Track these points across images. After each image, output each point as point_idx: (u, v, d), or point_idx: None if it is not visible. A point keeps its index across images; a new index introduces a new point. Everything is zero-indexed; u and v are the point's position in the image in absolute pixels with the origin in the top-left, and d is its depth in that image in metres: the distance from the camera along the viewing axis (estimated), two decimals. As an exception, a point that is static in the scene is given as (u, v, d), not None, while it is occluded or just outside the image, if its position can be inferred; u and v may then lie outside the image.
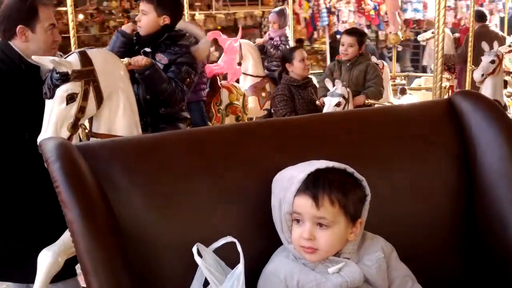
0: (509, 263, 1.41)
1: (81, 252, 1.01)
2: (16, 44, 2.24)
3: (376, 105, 3.97)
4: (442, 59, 3.38)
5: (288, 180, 1.19)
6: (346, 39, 4.23)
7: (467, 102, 1.55)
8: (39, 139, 1.98)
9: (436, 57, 3.50)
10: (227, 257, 1.16)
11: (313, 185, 1.15)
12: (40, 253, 1.89)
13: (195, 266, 1.14)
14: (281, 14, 6.11)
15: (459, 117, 1.54)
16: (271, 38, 6.07)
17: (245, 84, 5.79)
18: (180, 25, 2.92)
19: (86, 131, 2.38)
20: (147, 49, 2.79)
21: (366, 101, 3.96)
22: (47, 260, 1.86)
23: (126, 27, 2.89)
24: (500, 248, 1.43)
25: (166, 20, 2.78)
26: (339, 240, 1.18)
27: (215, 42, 5.87)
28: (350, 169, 1.20)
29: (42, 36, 2.27)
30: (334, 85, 3.80)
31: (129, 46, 2.75)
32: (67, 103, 2.11)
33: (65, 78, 2.09)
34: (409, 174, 1.46)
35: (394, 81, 6.67)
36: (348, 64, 4.24)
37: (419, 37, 8.00)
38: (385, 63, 5.69)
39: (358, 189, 1.20)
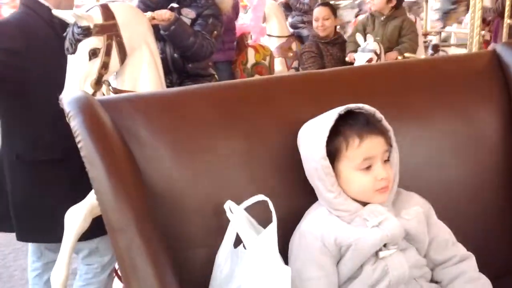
0: None
1: (106, 210, 0.96)
2: (49, 0, 2.18)
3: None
4: (480, 11, 3.20)
5: (319, 126, 1.14)
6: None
7: None
8: (61, 96, 1.94)
9: (472, 11, 3.32)
10: (259, 216, 1.11)
11: (365, 124, 1.12)
12: (67, 211, 1.88)
13: (224, 225, 1.10)
14: None
15: (505, 69, 1.45)
16: None
17: (271, 44, 5.64)
18: None
19: (110, 87, 2.33)
20: (174, 5, 2.70)
21: (399, 57, 3.81)
22: (74, 218, 1.85)
23: None
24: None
25: None
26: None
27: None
28: (379, 115, 1.15)
29: None
30: (365, 40, 3.65)
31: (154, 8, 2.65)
32: (90, 59, 2.05)
33: (86, 32, 2.03)
34: (451, 131, 1.38)
35: (426, 37, 6.42)
36: (382, 18, 4.06)
37: None
38: (417, 18, 5.46)
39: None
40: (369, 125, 1.12)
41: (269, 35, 5.68)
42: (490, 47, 1.60)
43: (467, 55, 1.93)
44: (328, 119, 1.13)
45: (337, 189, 1.12)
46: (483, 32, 5.71)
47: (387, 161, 1.14)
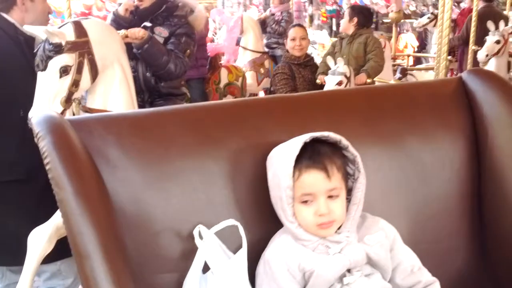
0: None
1: (72, 233, 0.94)
2: (13, 16, 2.15)
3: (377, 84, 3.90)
4: (447, 38, 3.30)
5: (283, 154, 1.13)
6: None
7: (478, 80, 1.49)
8: (30, 114, 1.90)
9: (439, 36, 3.43)
10: (230, 240, 1.10)
11: (317, 155, 1.11)
12: (30, 233, 1.83)
13: (194, 249, 1.08)
14: None
15: (470, 96, 1.48)
16: (273, 14, 5.96)
17: (244, 58, 5.68)
18: None
19: (80, 106, 2.30)
20: (147, 24, 2.69)
21: (368, 80, 3.88)
22: (38, 239, 1.80)
23: (121, 8, 2.76)
24: (508, 231, 1.38)
25: None
26: (345, 207, 1.15)
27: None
28: (345, 142, 1.15)
29: (41, 5, 2.20)
30: (336, 63, 3.71)
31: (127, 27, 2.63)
32: (60, 76, 2.03)
33: (58, 49, 2.00)
34: (418, 156, 1.40)
35: (395, 61, 6.58)
36: (347, 38, 4.19)
37: (415, 24, 7.90)
38: (387, 42, 5.60)
39: (350, 158, 1.16)
40: (313, 159, 1.10)
41: (244, 48, 5.72)
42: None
43: (435, 82, 1.98)
44: (293, 148, 1.12)
45: (297, 220, 1.13)
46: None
47: (334, 196, 1.12)
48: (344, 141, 1.15)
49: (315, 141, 1.14)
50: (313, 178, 1.10)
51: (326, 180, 1.10)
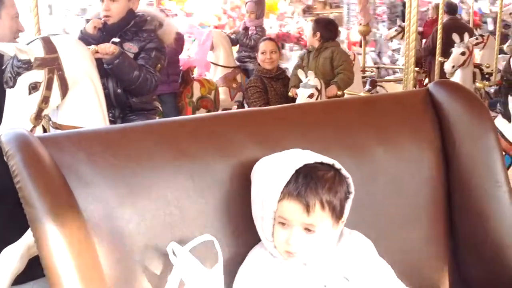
0: (487, 252, 1.40)
1: (44, 253, 0.92)
2: None
3: (347, 95, 3.95)
4: (414, 50, 3.38)
5: (272, 176, 1.11)
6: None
7: (445, 91, 1.53)
8: (-1, 131, 1.87)
9: (407, 49, 3.50)
10: (205, 256, 1.10)
11: (303, 189, 1.07)
12: (1, 252, 1.79)
13: (170, 266, 1.07)
14: (260, 3, 6.03)
15: (437, 106, 1.52)
16: (246, 28, 6.00)
17: (216, 74, 5.70)
18: (138, 9, 2.82)
19: (50, 123, 2.27)
20: (115, 40, 2.68)
21: (339, 92, 3.93)
22: (9, 258, 1.76)
23: (89, 26, 2.73)
24: (478, 238, 1.42)
25: (136, 3, 2.69)
26: (323, 242, 1.13)
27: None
28: (338, 165, 1.13)
29: (8, 22, 2.17)
30: (306, 76, 3.76)
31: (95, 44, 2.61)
32: (30, 93, 2.00)
33: (27, 66, 1.98)
34: (387, 165, 1.43)
35: (364, 73, 6.69)
36: (313, 52, 4.20)
37: (384, 36, 8.08)
38: (356, 54, 5.69)
39: (344, 186, 1.13)
40: (298, 191, 1.07)
41: (215, 64, 5.73)
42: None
43: (403, 93, 2.03)
44: (283, 174, 1.09)
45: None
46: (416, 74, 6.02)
47: (311, 231, 1.10)
48: (337, 165, 1.13)
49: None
50: (293, 209, 1.08)
51: (304, 214, 1.07)
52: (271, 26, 8.89)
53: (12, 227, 1.96)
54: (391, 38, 7.74)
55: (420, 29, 7.53)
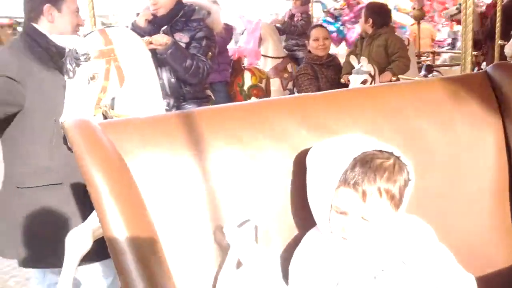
0: None
1: (109, 233, 0.97)
2: (41, 26, 2.21)
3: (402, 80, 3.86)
4: (471, 33, 3.25)
5: (330, 163, 1.09)
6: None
7: (505, 74, 1.48)
8: (61, 120, 1.96)
9: (463, 32, 3.37)
10: (259, 238, 1.12)
11: (361, 177, 1.05)
12: (68, 234, 1.88)
13: (226, 246, 1.10)
14: None
15: (497, 90, 1.47)
16: (292, 15, 5.98)
17: (266, 66, 5.72)
18: None
19: (109, 111, 2.35)
20: (166, 30, 2.74)
21: (393, 78, 3.85)
22: (75, 240, 1.85)
23: (140, 19, 2.80)
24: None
25: None
26: (381, 229, 1.11)
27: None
28: (397, 152, 1.10)
29: (68, 16, 2.25)
30: (359, 62, 3.70)
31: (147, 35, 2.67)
32: (89, 83, 2.08)
33: (86, 57, 2.06)
34: (445, 150, 1.40)
35: (419, 58, 6.51)
36: (367, 38, 4.12)
37: (443, 14, 7.77)
38: (410, 39, 5.54)
39: (403, 174, 1.10)
40: (355, 180, 1.05)
41: (265, 56, 5.74)
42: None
43: (462, 77, 1.96)
44: (340, 162, 1.07)
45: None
46: (474, 58, 5.79)
47: (367, 219, 1.08)
48: (397, 152, 1.10)
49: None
50: (349, 198, 1.07)
51: (361, 203, 1.06)
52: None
53: (78, 210, 2.07)
54: (451, 17, 7.42)
55: (483, 9, 7.22)
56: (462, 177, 1.39)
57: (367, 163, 1.06)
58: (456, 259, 1.21)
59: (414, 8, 7.06)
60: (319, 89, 3.89)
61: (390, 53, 4.00)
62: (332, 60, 4.13)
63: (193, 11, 2.77)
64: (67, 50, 2.09)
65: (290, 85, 5.68)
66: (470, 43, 3.28)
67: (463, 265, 1.20)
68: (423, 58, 6.74)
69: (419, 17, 6.94)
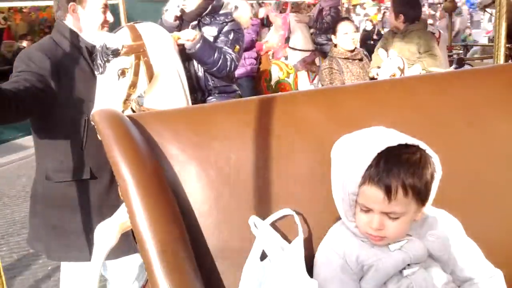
0: None
1: (135, 223, 0.98)
2: (69, 23, 2.25)
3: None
4: (504, 23, 3.16)
5: (354, 158, 1.08)
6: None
7: None
8: (92, 113, 1.99)
9: (497, 23, 3.29)
10: (284, 229, 1.12)
11: (385, 173, 1.03)
12: (97, 227, 1.91)
13: (251, 238, 1.11)
14: None
15: None
16: (321, 10, 5.92)
17: (294, 58, 5.70)
18: None
19: (138, 106, 2.39)
20: (194, 24, 2.77)
21: (423, 71, 3.78)
22: (104, 233, 1.88)
23: (168, 15, 2.84)
24: None
25: None
26: (407, 225, 1.10)
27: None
28: (423, 145, 1.08)
29: (92, 13, 2.27)
30: (388, 55, 3.65)
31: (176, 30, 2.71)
32: (119, 78, 2.12)
33: (115, 53, 2.09)
34: (475, 142, 1.37)
35: (451, 51, 6.37)
36: (398, 34, 4.04)
37: (476, 3, 7.57)
38: (441, 31, 5.43)
39: (430, 168, 1.08)
40: (379, 176, 1.03)
41: (293, 48, 5.71)
42: None
43: (494, 67, 1.91)
44: (365, 156, 1.06)
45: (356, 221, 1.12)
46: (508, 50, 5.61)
47: (392, 218, 1.07)
48: (422, 145, 1.08)
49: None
50: (374, 195, 1.05)
51: (385, 201, 1.04)
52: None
53: (107, 205, 2.10)
54: (485, 7, 7.21)
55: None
56: (493, 171, 1.36)
57: (392, 159, 1.04)
58: (484, 254, 1.18)
59: (445, 0, 6.89)
60: (344, 83, 3.84)
61: (421, 52, 3.91)
62: (357, 54, 4.08)
63: (221, 5, 2.79)
64: (97, 46, 2.12)
65: (317, 79, 5.65)
66: (503, 34, 3.20)
67: (491, 260, 1.18)
68: (454, 52, 6.59)
69: (451, 9, 6.78)
